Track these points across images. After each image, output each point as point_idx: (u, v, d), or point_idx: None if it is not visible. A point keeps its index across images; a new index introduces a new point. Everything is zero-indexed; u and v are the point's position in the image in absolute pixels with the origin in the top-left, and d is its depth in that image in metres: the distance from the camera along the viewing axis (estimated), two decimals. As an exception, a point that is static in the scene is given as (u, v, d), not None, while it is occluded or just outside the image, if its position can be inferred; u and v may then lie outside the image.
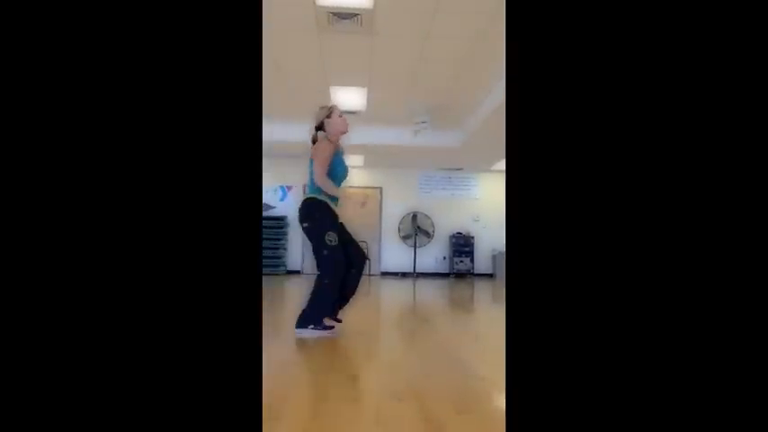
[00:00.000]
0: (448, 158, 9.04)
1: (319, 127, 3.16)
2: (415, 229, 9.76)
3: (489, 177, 10.10)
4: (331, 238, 2.93)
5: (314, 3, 4.00)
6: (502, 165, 9.48)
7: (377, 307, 4.89)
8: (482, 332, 3.35)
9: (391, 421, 1.48)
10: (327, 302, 2.97)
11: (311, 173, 3.04)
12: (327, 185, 2.95)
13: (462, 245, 9.79)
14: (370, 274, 9.70)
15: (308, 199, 3.02)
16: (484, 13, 4.14)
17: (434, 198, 10.16)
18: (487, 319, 4.13)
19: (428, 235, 9.89)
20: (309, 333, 2.94)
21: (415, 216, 9.85)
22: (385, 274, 9.89)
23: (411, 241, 9.74)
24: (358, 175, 10.08)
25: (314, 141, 3.18)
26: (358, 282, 3.11)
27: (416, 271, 9.65)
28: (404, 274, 9.74)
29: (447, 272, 9.93)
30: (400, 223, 9.90)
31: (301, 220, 3.04)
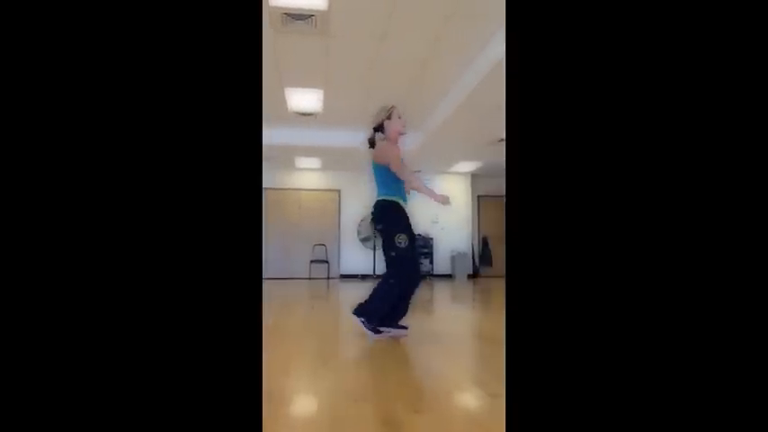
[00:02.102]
0: (407, 160, 9.08)
1: (378, 128, 3.15)
2: (375, 232, 9.76)
3: (448, 179, 10.21)
4: (401, 239, 2.95)
5: (267, 3, 3.94)
6: (460, 167, 9.60)
7: (336, 309, 4.85)
8: (441, 331, 3.36)
9: (347, 423, 1.46)
10: (387, 302, 2.98)
11: (378, 176, 3.07)
12: (412, 179, 2.99)
13: (421, 246, 9.85)
14: (329, 277, 9.63)
15: (381, 200, 3.02)
16: (440, 15, 4.17)
17: (393, 200, 10.18)
18: (447, 319, 4.16)
19: (387, 237, 9.91)
20: (361, 324, 3.00)
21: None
22: (344, 276, 9.84)
23: (370, 243, 9.73)
24: (315, 178, 10.00)
25: (371, 143, 3.19)
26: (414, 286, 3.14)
27: (376, 273, 9.64)
28: (363, 277, 9.72)
29: (406, 273, 9.96)
30: (359, 226, 9.88)
31: (376, 222, 3.05)
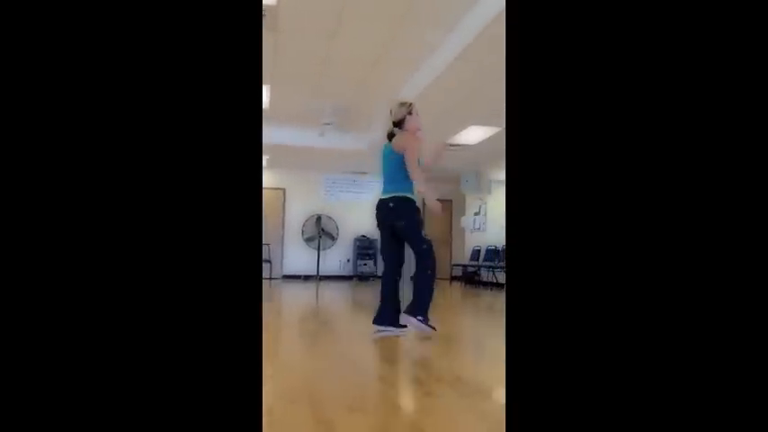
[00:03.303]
0: (354, 161, 9.08)
1: (397, 124, 3.19)
2: (320, 232, 9.69)
3: (393, 181, 10.27)
4: (426, 232, 3.08)
5: (214, -7, 3.83)
6: (405, 169, 9.67)
7: (278, 310, 4.77)
8: (381, 332, 3.37)
9: (282, 423, 1.43)
10: (430, 291, 3.03)
11: (388, 168, 3.10)
12: (420, 178, 3.03)
13: (366, 248, 9.86)
14: (271, 278, 9.48)
15: (403, 198, 3.06)
16: (390, 17, 4.20)
17: (339, 200, 10.15)
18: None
19: (332, 237, 9.85)
20: (416, 324, 2.95)
21: (319, 218, 9.78)
22: (287, 277, 9.71)
23: (315, 244, 9.65)
24: (261, 176, 9.80)
25: (390, 137, 3.22)
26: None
27: (320, 274, 9.57)
28: (306, 277, 9.62)
29: (351, 274, 9.95)
30: (303, 225, 9.78)
31: (395, 219, 3.08)
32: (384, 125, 6.82)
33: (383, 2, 3.95)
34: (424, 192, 3.05)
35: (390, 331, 3.05)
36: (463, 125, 6.49)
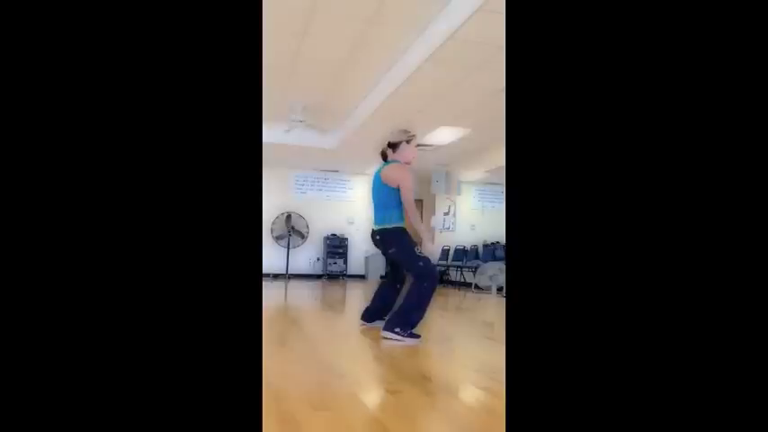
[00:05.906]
0: (324, 160, 9.05)
1: (392, 145, 3.26)
2: (289, 230, 9.62)
3: (365, 180, 10.27)
4: (419, 249, 3.11)
5: (183, -14, 3.77)
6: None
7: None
8: (349, 332, 3.38)
9: (245, 423, 1.43)
10: (426, 306, 3.03)
11: (379, 197, 3.17)
12: (417, 218, 3.12)
13: (336, 246, 9.84)
14: (240, 276, 9.35)
15: (394, 228, 3.12)
16: (361, 19, 4.20)
17: (309, 199, 10.10)
18: (355, 318, 4.18)
19: (302, 236, 9.80)
20: (394, 338, 2.89)
21: (289, 216, 9.71)
22: (256, 275, 9.60)
23: (284, 242, 9.58)
24: (230, 173, 9.67)
25: (383, 157, 3.29)
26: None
27: (289, 272, 9.51)
28: (276, 276, 9.55)
29: (320, 273, 9.91)
30: (273, 223, 9.69)
31: (387, 248, 3.18)
32: (354, 126, 6.81)
33: (353, 2, 3.95)
34: (419, 229, 3.14)
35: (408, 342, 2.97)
36: (433, 126, 6.55)
